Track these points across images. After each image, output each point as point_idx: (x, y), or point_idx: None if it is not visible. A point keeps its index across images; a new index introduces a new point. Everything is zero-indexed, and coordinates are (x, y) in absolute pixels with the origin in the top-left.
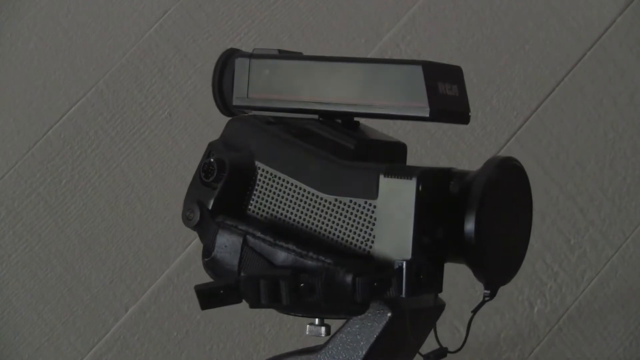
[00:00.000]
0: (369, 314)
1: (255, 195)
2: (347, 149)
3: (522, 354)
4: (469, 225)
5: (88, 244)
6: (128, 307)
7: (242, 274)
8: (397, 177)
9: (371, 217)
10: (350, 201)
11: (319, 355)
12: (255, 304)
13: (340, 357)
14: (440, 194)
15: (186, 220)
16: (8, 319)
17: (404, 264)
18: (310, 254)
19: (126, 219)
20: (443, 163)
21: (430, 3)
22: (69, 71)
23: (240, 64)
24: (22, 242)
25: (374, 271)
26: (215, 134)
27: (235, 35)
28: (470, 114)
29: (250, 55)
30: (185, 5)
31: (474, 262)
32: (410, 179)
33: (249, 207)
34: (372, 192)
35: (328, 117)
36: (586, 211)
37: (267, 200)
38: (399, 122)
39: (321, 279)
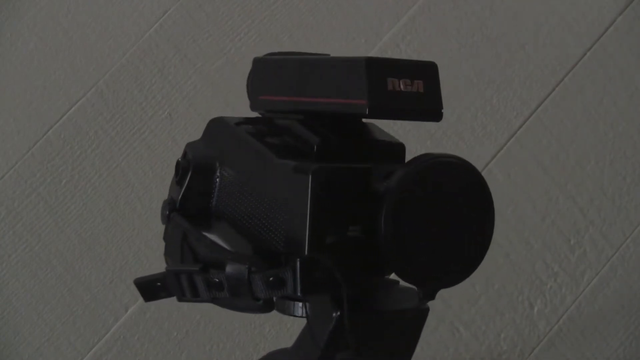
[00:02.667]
0: (318, 314)
1: (214, 194)
2: (308, 148)
3: (522, 354)
4: (383, 225)
5: (88, 244)
6: (128, 307)
7: None
8: (300, 174)
9: (284, 213)
10: (272, 198)
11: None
12: (180, 298)
13: (301, 358)
14: (352, 192)
15: (161, 217)
16: (8, 319)
17: (297, 262)
18: (225, 250)
19: (126, 219)
20: None
21: (430, 3)
22: (69, 71)
23: (252, 67)
24: (22, 242)
25: (271, 268)
26: None
27: (235, 35)
28: (442, 110)
29: (254, 59)
30: (185, 5)
31: (392, 264)
32: (307, 175)
33: (211, 205)
34: (284, 189)
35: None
36: (586, 211)
37: (222, 199)
38: (399, 122)
39: (224, 274)
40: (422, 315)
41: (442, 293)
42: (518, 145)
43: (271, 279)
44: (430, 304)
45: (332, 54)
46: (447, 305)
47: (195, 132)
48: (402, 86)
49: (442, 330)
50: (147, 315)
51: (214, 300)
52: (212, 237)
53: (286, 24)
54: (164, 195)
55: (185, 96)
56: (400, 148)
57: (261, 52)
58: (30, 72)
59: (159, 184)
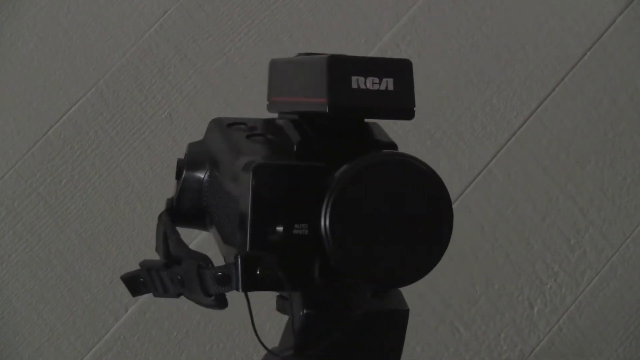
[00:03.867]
0: (295, 311)
1: (204, 192)
2: (289, 147)
3: (522, 354)
4: (321, 221)
5: (88, 244)
6: (128, 307)
7: None
8: (246, 172)
9: (237, 210)
10: (233, 196)
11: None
12: (154, 293)
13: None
14: (299, 190)
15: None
16: (8, 319)
17: (239, 258)
18: (185, 247)
19: (126, 219)
20: (443, 163)
21: (430, 3)
22: (69, 71)
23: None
24: (22, 242)
25: (219, 265)
26: None
27: (235, 35)
28: (414, 108)
29: (270, 61)
30: (185, 5)
31: (332, 261)
32: (248, 172)
33: (202, 203)
34: (237, 186)
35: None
36: (586, 211)
37: (208, 197)
38: (398, 122)
39: (182, 271)
40: (401, 317)
41: (442, 293)
42: (518, 145)
43: (219, 274)
44: (430, 303)
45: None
46: (447, 305)
47: (195, 132)
48: (368, 84)
49: (442, 330)
50: (147, 315)
51: (180, 296)
52: (174, 232)
53: (286, 24)
54: (164, 195)
55: (185, 96)
56: (390, 148)
57: (261, 52)
58: (30, 72)
59: (159, 184)
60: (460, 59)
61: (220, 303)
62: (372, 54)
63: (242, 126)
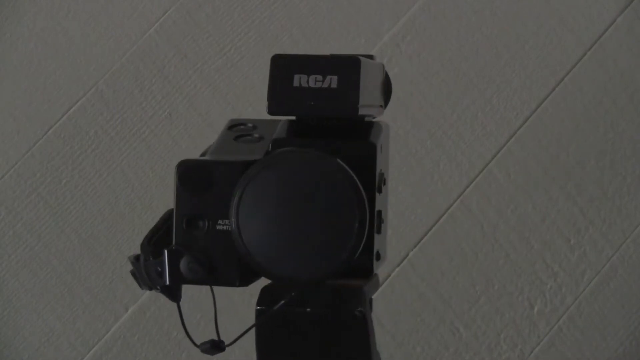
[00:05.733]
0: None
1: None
2: (266, 147)
3: (522, 354)
4: (231, 219)
5: (88, 244)
6: (128, 307)
7: None
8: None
9: None
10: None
11: None
12: (140, 286)
13: None
14: (224, 186)
15: None
16: (8, 319)
17: (165, 252)
18: (149, 241)
19: (126, 219)
20: (443, 163)
21: (430, 3)
22: (69, 71)
23: None
24: (22, 242)
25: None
26: (215, 134)
27: (235, 35)
28: (358, 105)
29: None
30: (185, 5)
31: (241, 257)
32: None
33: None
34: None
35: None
36: (586, 211)
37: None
38: (398, 122)
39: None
40: (354, 319)
41: (442, 293)
42: (518, 145)
43: (159, 268)
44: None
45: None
46: (447, 305)
47: (196, 132)
48: (310, 82)
49: (442, 330)
50: (147, 315)
51: (152, 290)
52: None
53: (286, 24)
54: (164, 195)
55: (185, 96)
56: (367, 148)
57: (261, 52)
58: (30, 72)
59: (159, 184)
60: (460, 59)
61: (171, 296)
62: (372, 53)
63: (242, 127)
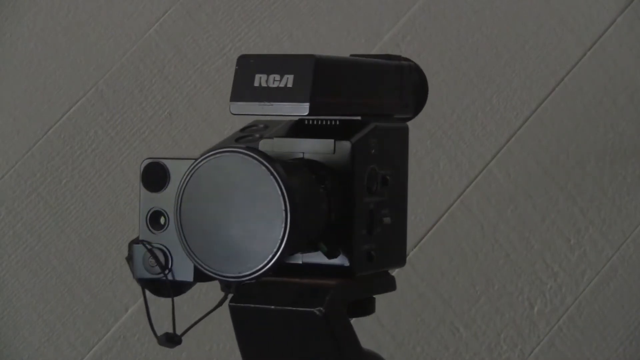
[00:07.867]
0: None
1: None
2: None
3: (522, 354)
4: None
5: (88, 244)
6: (128, 307)
7: None
8: None
9: None
10: None
11: None
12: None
13: None
14: (176, 184)
15: None
16: (8, 319)
17: (134, 247)
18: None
19: (126, 219)
20: (443, 163)
21: (430, 3)
22: (69, 71)
23: None
24: (22, 242)
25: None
26: (215, 134)
27: (235, 35)
28: (308, 103)
29: None
30: (185, 5)
31: (187, 255)
32: None
33: None
34: None
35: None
36: (586, 211)
37: None
38: None
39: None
40: (315, 318)
41: (442, 293)
42: (518, 145)
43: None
44: (430, 303)
45: (333, 54)
46: (447, 305)
47: (196, 132)
48: (270, 82)
49: (442, 330)
50: None
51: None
52: None
53: (286, 24)
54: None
55: (185, 96)
56: (343, 147)
57: (261, 52)
58: (30, 72)
59: None
60: (460, 59)
61: (152, 289)
62: (372, 53)
63: (254, 127)
